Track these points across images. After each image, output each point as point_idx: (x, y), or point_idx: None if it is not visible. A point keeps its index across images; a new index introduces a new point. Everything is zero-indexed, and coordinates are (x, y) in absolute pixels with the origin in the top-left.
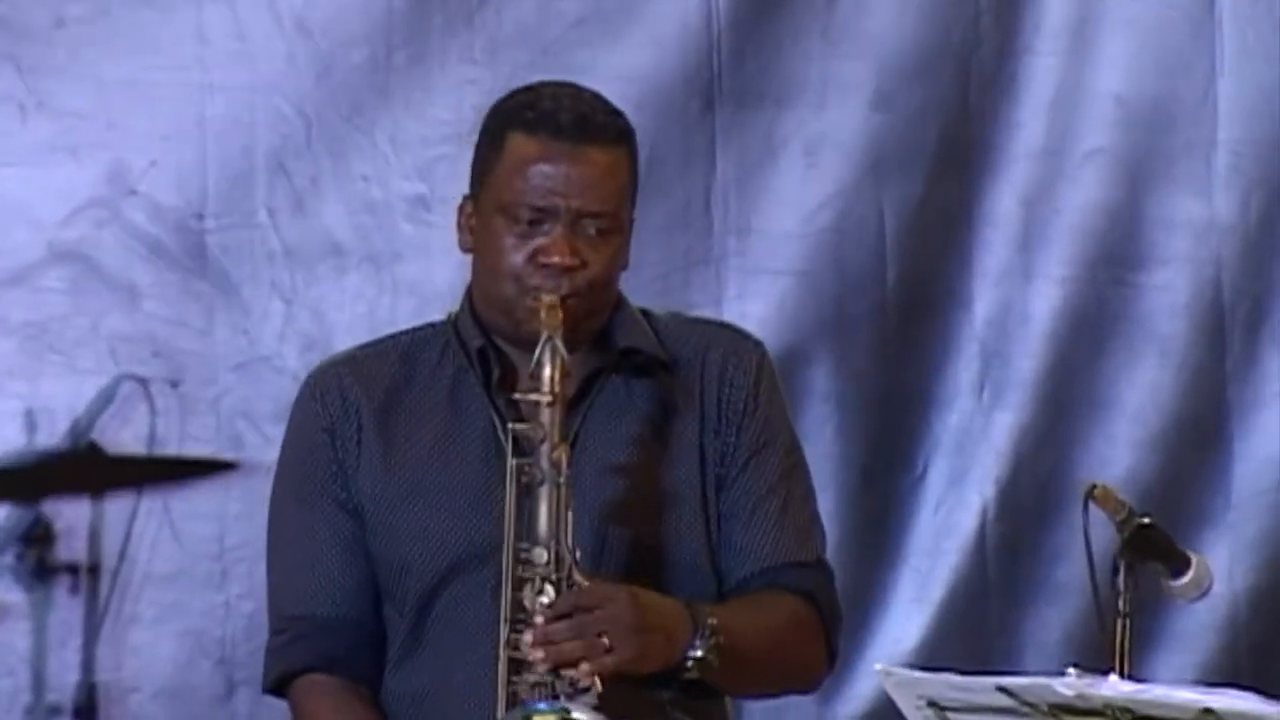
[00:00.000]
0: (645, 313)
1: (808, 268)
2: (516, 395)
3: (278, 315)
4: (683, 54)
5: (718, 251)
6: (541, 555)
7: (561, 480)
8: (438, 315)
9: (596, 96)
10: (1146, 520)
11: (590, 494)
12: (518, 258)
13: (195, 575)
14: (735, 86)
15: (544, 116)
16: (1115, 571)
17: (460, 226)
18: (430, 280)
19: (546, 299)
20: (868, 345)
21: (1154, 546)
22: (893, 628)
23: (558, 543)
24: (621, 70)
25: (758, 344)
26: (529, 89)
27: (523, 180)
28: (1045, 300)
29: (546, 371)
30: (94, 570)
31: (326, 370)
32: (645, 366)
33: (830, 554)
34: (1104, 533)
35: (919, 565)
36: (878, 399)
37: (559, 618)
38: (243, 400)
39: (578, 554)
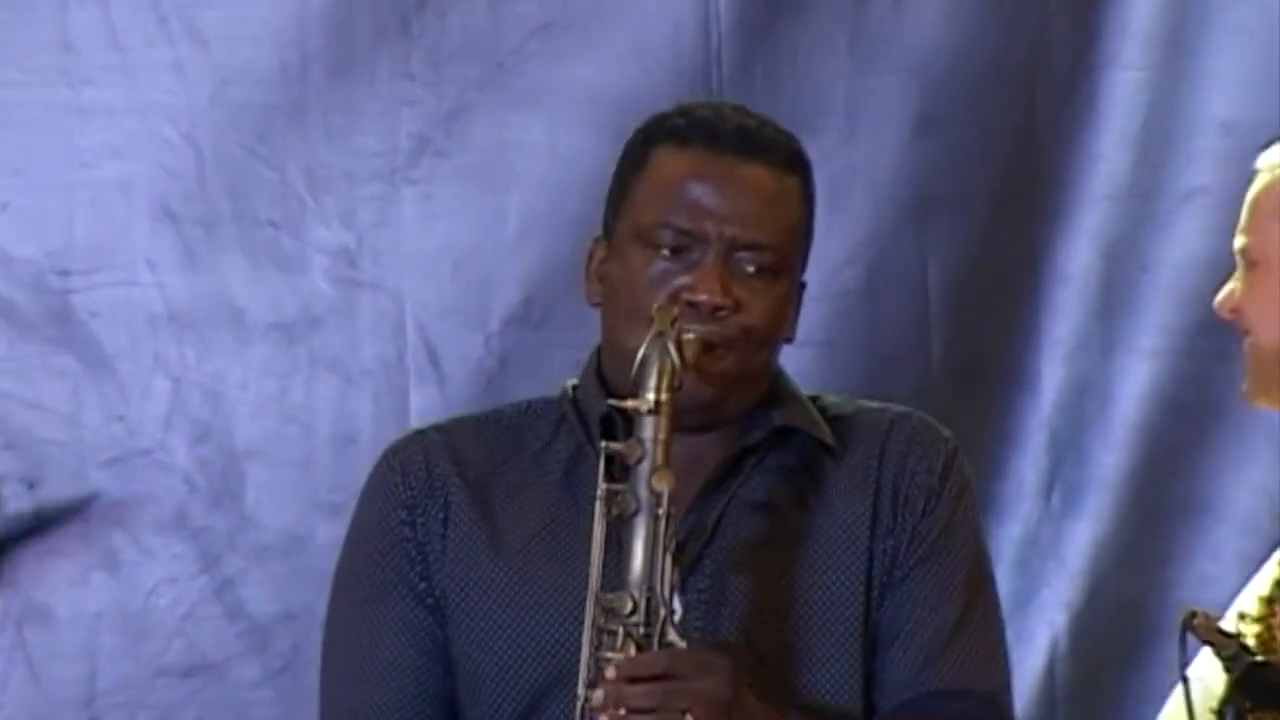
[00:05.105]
0: (813, 397)
1: (831, 337)
2: (611, 401)
3: (162, 397)
4: (674, 68)
5: None
6: (626, 603)
7: (661, 512)
8: (365, 397)
9: (769, 118)
10: (1261, 657)
11: (721, 581)
12: (657, 297)
13: None
14: None
15: (699, 125)
16: None
17: (589, 275)
18: (356, 354)
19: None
20: None
21: (1270, 690)
22: None
23: (650, 589)
24: (597, 88)
25: (950, 437)
26: (682, 104)
27: (667, 199)
28: (1132, 379)
29: (652, 375)
30: None
31: (410, 439)
32: (807, 452)
33: None
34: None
35: None
36: None
37: (636, 680)
38: (118, 505)
39: (678, 608)
